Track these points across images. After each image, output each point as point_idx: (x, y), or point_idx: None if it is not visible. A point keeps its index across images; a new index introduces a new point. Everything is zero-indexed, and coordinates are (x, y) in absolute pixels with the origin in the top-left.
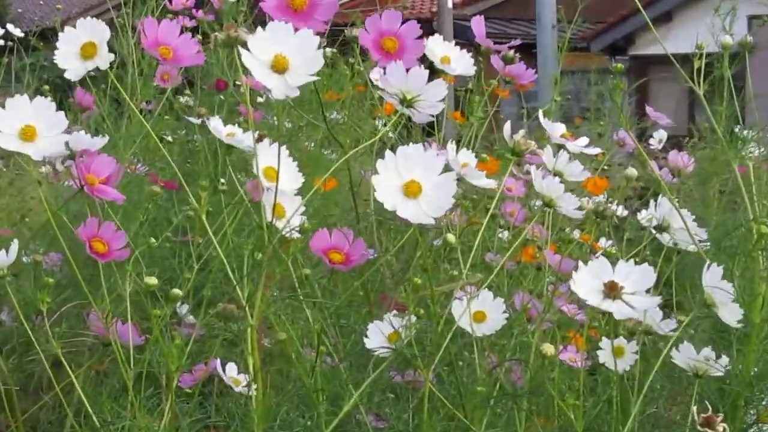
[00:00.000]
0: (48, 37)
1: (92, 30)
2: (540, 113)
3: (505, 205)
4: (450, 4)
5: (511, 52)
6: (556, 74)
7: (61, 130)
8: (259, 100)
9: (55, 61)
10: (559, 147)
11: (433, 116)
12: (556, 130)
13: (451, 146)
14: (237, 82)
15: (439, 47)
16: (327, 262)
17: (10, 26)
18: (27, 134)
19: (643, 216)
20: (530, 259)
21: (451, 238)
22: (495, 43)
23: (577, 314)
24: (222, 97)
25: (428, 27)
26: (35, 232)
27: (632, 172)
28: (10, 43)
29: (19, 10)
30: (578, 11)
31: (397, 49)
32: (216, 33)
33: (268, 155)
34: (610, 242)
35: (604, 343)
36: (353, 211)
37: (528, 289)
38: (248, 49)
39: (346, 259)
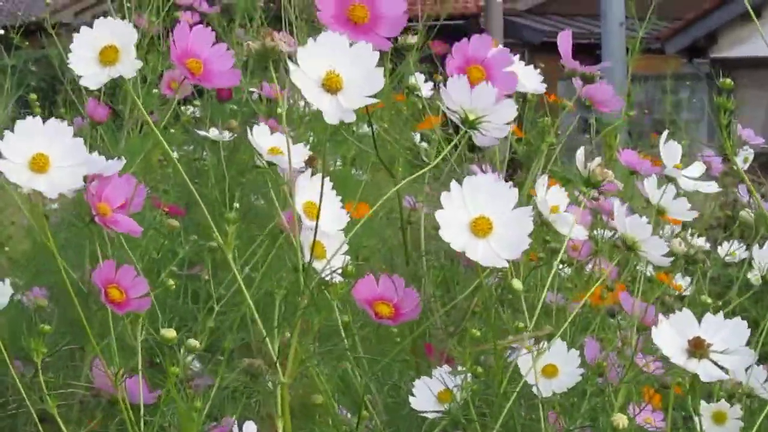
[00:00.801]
0: (33, 32)
1: (114, 31)
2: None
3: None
4: None
5: (593, 70)
6: (626, 81)
7: (80, 159)
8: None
9: (70, 65)
10: (631, 172)
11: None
12: (672, 156)
13: (542, 183)
14: (252, 89)
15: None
16: (373, 316)
17: None
18: (39, 164)
19: (725, 250)
20: (598, 301)
21: (517, 285)
22: (554, 42)
23: (657, 370)
24: (234, 107)
25: (475, 23)
26: (16, 262)
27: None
28: None
29: None
30: (652, 7)
31: (484, 81)
32: (249, 42)
33: (308, 188)
34: (687, 280)
35: (704, 408)
36: (397, 244)
37: (598, 337)
38: (291, 62)
39: (395, 313)
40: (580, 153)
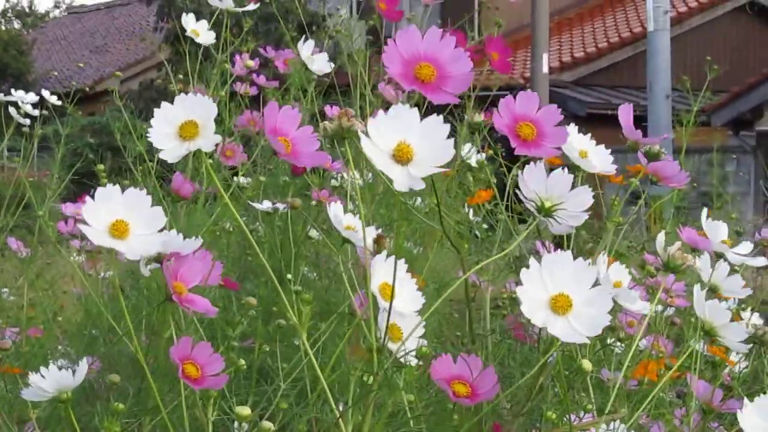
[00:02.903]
0: (81, 100)
1: (193, 107)
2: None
3: (621, 314)
4: (546, 69)
5: (657, 146)
6: (671, 154)
7: (158, 227)
8: (333, 183)
9: (149, 140)
10: (693, 250)
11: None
12: (719, 233)
13: (603, 260)
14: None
15: (576, 138)
16: (451, 394)
17: (45, 93)
18: (118, 230)
19: None
20: (654, 378)
21: (587, 365)
22: (599, 114)
23: None
24: (286, 178)
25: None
26: (69, 333)
27: None
28: (44, 112)
29: (54, 72)
30: (707, 82)
31: (534, 136)
32: (325, 122)
33: (381, 269)
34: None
35: None
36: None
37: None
38: (361, 137)
39: (472, 393)
40: (661, 237)
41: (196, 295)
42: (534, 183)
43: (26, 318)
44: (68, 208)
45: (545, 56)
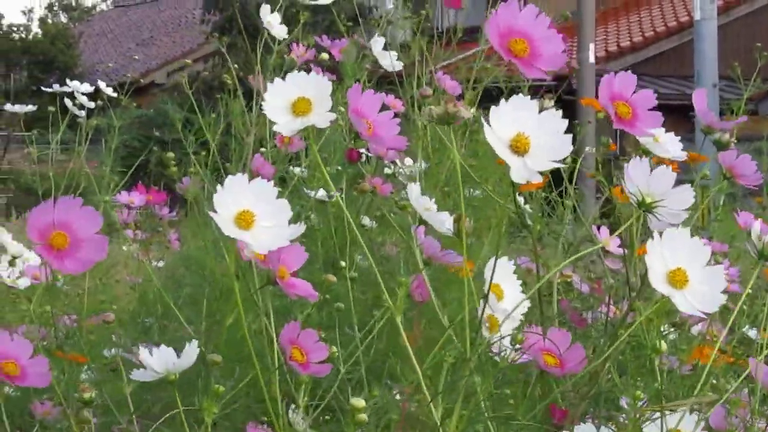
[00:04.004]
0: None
1: (307, 84)
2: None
3: None
4: (592, 59)
5: (727, 136)
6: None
7: (285, 219)
8: (387, 171)
9: (264, 112)
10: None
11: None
12: None
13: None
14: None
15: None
16: (542, 363)
17: (101, 84)
18: (244, 221)
19: None
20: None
21: (663, 346)
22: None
23: None
24: (339, 167)
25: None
26: (123, 322)
27: None
28: (100, 102)
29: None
30: (758, 69)
31: (630, 116)
32: (431, 107)
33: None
34: None
35: None
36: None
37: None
38: (484, 125)
39: (561, 364)
40: (756, 226)
41: (298, 279)
42: (637, 177)
43: (86, 306)
44: (122, 197)
45: (592, 46)
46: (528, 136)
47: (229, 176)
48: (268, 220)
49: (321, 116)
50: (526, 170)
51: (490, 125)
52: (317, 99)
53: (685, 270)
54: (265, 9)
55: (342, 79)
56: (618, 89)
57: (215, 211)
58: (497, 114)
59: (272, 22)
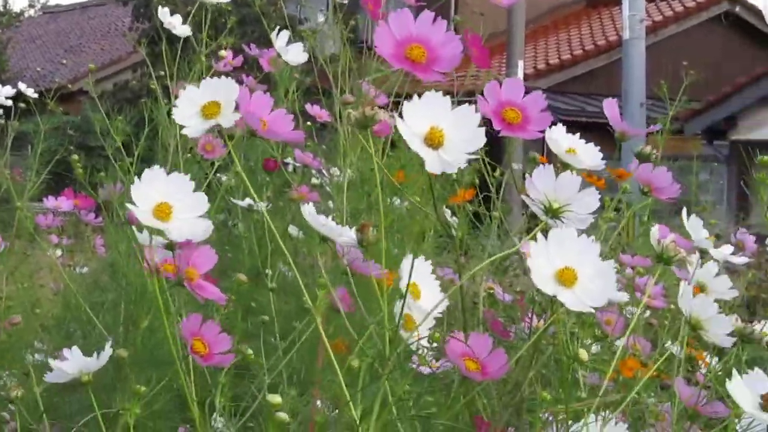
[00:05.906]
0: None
1: (217, 89)
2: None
3: (601, 312)
4: (521, 75)
5: (649, 148)
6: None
7: (202, 212)
8: (314, 181)
9: (173, 118)
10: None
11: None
12: (701, 231)
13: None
14: (286, 160)
15: (563, 137)
16: (463, 368)
17: (22, 86)
18: (161, 213)
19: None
20: (629, 375)
21: (584, 355)
22: (571, 121)
23: None
24: (267, 177)
25: None
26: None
27: None
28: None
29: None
30: (683, 87)
31: (520, 120)
32: (350, 111)
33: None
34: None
35: None
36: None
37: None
38: (396, 119)
39: (482, 370)
40: (655, 230)
41: (206, 282)
42: (542, 184)
43: (4, 308)
44: (50, 202)
45: (521, 63)
46: (442, 129)
47: (146, 170)
48: (186, 212)
49: (227, 117)
50: (440, 162)
51: (403, 120)
52: (226, 102)
53: (574, 269)
54: (163, 11)
55: (272, 89)
56: (506, 97)
57: (134, 204)
58: (410, 109)
59: (173, 22)
